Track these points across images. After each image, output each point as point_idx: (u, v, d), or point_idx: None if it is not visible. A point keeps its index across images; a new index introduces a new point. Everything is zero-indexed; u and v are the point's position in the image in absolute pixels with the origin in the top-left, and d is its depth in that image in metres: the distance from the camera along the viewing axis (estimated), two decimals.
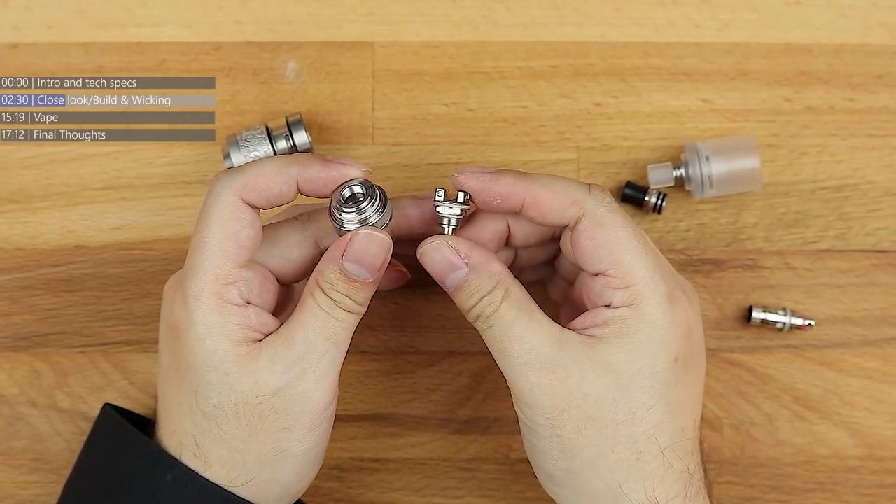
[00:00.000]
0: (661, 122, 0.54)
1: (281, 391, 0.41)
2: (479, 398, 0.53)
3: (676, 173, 0.52)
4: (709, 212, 0.54)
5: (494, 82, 0.54)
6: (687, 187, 0.53)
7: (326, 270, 0.42)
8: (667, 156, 0.54)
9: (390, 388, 0.53)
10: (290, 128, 0.51)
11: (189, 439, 0.42)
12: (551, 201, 0.42)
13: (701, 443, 0.44)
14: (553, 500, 0.45)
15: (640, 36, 0.54)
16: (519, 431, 0.51)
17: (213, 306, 0.41)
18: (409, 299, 0.54)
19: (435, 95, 0.54)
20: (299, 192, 0.43)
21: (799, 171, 0.54)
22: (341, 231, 0.43)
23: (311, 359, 0.42)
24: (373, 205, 0.42)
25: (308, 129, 0.51)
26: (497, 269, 0.43)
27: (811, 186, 0.54)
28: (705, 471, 0.44)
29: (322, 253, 0.44)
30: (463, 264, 0.43)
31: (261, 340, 0.42)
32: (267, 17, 0.54)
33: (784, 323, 0.52)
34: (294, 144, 0.51)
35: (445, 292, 0.53)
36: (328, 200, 0.43)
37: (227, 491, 0.42)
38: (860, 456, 0.53)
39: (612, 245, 0.42)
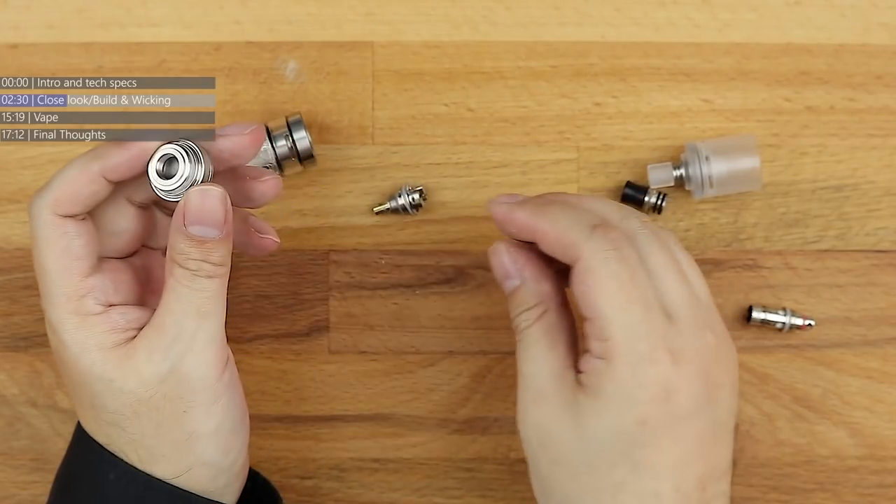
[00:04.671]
0: (661, 122, 0.54)
1: (166, 378, 0.41)
2: (479, 398, 0.53)
3: (676, 173, 0.52)
4: (709, 212, 0.54)
5: (494, 82, 0.54)
6: (687, 187, 0.53)
7: (176, 242, 0.41)
8: (667, 156, 0.54)
9: (390, 388, 0.53)
10: (290, 128, 0.51)
11: (108, 448, 0.42)
12: (553, 241, 0.42)
13: None
14: None
15: (640, 36, 0.54)
16: (518, 432, 0.52)
17: (76, 324, 0.41)
18: (408, 299, 0.54)
19: (435, 95, 0.54)
20: (113, 182, 0.42)
21: (799, 171, 0.54)
22: (173, 203, 0.42)
23: (184, 339, 0.41)
24: (187, 165, 0.42)
25: (308, 129, 0.51)
26: (545, 289, 0.43)
27: (811, 186, 0.54)
28: None
29: (139, 206, 0.44)
30: (517, 275, 0.44)
31: (135, 337, 0.42)
32: (267, 17, 0.54)
33: (784, 323, 0.52)
34: (294, 144, 0.51)
35: (445, 293, 0.53)
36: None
37: (171, 484, 0.42)
38: (860, 456, 0.53)
39: (596, 295, 0.40)
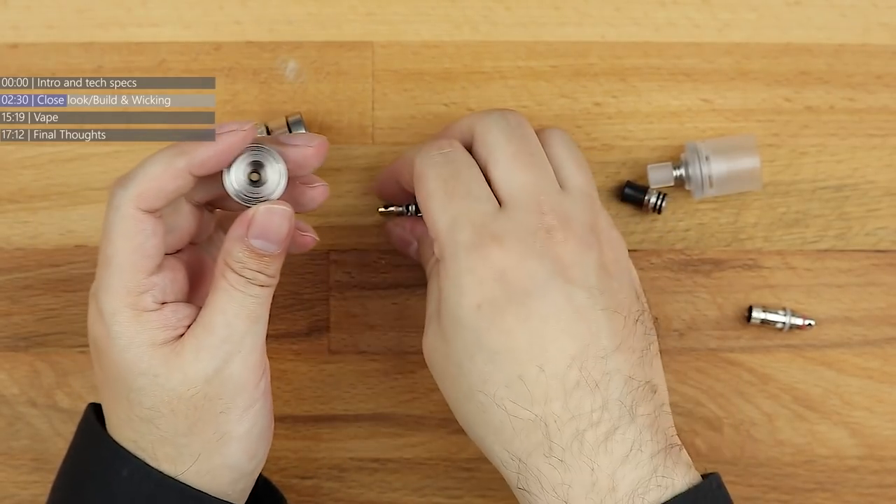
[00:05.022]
0: (661, 122, 0.54)
1: (211, 378, 0.41)
2: None
3: (676, 173, 0.52)
4: (709, 212, 0.54)
5: (494, 82, 0.54)
6: (687, 187, 0.53)
7: (234, 250, 0.42)
8: (667, 156, 0.54)
9: (390, 388, 0.53)
10: (290, 128, 0.51)
11: (131, 445, 0.42)
12: (403, 172, 0.46)
13: (591, 385, 0.40)
14: None
15: (640, 36, 0.54)
16: None
17: (130, 318, 0.41)
18: (409, 299, 0.54)
19: (435, 95, 0.54)
20: (198, 177, 0.42)
21: (799, 171, 0.54)
22: (236, 205, 0.43)
23: (234, 340, 0.42)
24: (275, 173, 0.42)
25: (308, 128, 0.51)
26: None
27: (811, 186, 0.54)
28: (635, 419, 0.40)
29: (195, 204, 0.45)
30: (412, 239, 0.49)
31: (182, 335, 0.42)
32: (267, 17, 0.54)
33: (784, 323, 0.52)
34: None
35: None
36: None
37: (183, 483, 0.42)
38: (860, 456, 0.53)
39: (422, 198, 0.43)
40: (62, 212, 0.53)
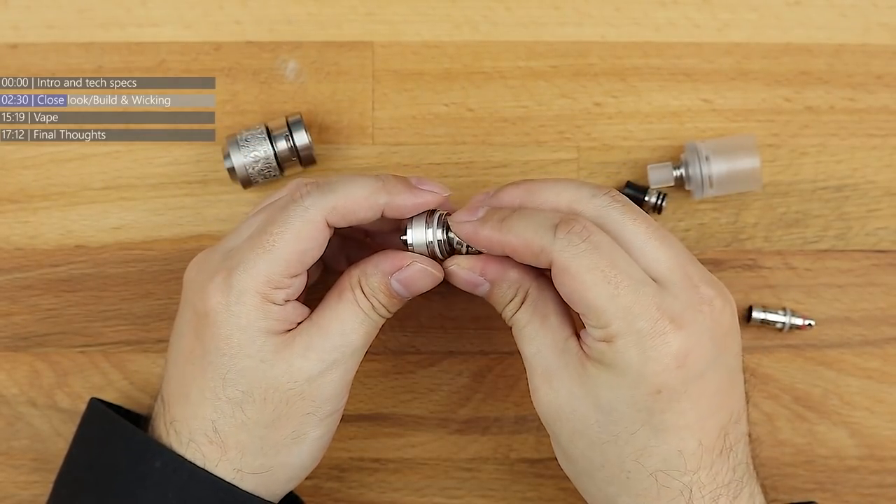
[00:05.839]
0: (661, 122, 0.54)
1: (313, 379, 0.43)
2: (479, 398, 0.53)
3: (676, 173, 0.52)
4: (709, 212, 0.54)
5: (494, 82, 0.54)
6: (687, 187, 0.53)
7: (372, 277, 0.44)
8: (667, 156, 0.54)
9: (390, 388, 0.53)
10: (290, 128, 0.51)
11: (207, 425, 0.43)
12: (523, 252, 0.42)
13: (728, 450, 0.42)
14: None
15: (640, 36, 0.54)
16: (519, 432, 0.51)
17: (256, 304, 0.42)
18: (409, 299, 0.54)
19: (435, 95, 0.54)
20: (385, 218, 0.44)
21: (799, 171, 0.54)
22: (407, 243, 0.44)
23: (345, 351, 0.43)
24: (451, 244, 0.45)
25: (308, 129, 0.51)
26: (514, 277, 0.44)
27: (811, 186, 0.54)
28: (750, 473, 0.42)
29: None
30: (482, 280, 0.44)
31: (291, 329, 0.43)
32: (267, 17, 0.54)
33: (784, 323, 0.52)
34: (294, 144, 0.51)
35: (445, 293, 0.53)
36: None
37: (216, 476, 0.42)
38: (860, 456, 0.53)
39: (580, 291, 0.40)
40: (62, 212, 0.53)
